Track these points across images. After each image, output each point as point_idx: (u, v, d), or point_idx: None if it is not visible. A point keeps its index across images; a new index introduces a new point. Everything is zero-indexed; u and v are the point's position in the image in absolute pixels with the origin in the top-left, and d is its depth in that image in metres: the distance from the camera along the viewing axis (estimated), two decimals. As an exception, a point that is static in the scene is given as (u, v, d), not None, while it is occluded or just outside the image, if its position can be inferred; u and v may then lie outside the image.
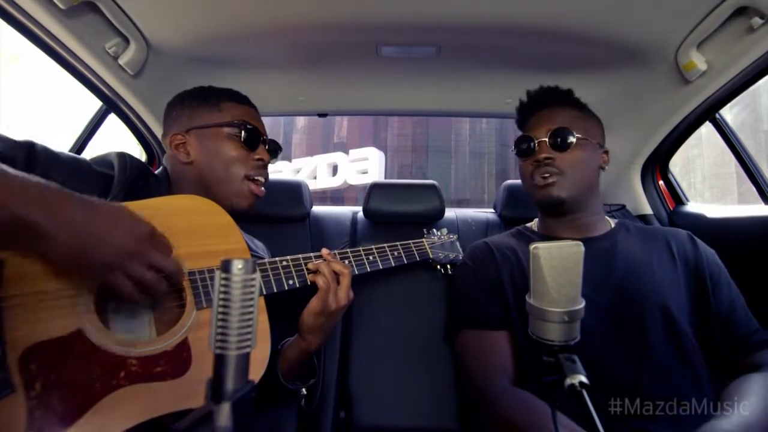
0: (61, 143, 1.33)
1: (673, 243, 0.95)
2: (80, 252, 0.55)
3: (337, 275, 0.86)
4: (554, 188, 0.93)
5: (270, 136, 0.97)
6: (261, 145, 0.93)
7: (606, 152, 1.01)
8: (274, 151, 1.00)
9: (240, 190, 0.89)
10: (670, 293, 0.87)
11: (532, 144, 0.96)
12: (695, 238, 0.98)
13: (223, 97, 0.93)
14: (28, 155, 0.69)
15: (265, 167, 0.95)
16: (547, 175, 0.93)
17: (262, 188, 0.93)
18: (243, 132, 0.89)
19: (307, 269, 0.86)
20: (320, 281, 0.84)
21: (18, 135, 0.71)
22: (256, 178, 0.91)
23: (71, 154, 0.77)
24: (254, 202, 0.92)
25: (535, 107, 1.01)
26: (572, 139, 0.93)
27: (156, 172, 0.91)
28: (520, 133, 1.06)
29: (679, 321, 0.84)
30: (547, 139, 0.94)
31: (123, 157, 0.82)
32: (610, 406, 0.78)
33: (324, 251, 0.89)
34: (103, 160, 0.81)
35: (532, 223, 1.10)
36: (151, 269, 0.61)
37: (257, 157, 0.91)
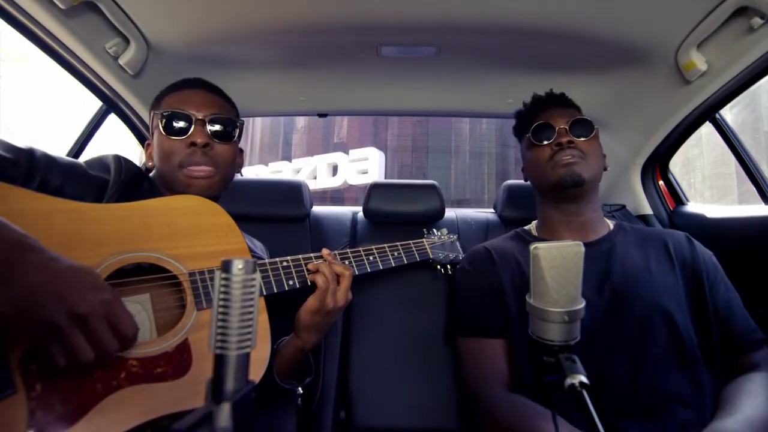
0: (61, 144, 1.33)
1: (671, 244, 0.95)
2: (23, 305, 0.51)
3: (337, 276, 0.86)
4: (578, 167, 0.95)
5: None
6: (198, 126, 0.85)
7: (605, 156, 1.05)
8: (228, 128, 0.89)
9: (178, 179, 0.85)
10: (668, 295, 0.87)
11: (552, 130, 0.99)
12: (692, 239, 0.98)
13: (167, 91, 0.91)
14: (30, 159, 0.70)
15: (204, 151, 0.85)
16: (569, 156, 0.96)
17: (202, 168, 0.85)
18: (163, 121, 0.85)
19: (307, 269, 0.86)
20: (320, 280, 0.84)
21: (18, 139, 0.72)
22: (190, 167, 0.84)
23: (69, 158, 0.78)
24: (207, 185, 0.85)
25: (554, 103, 1.05)
26: (592, 129, 0.99)
27: (150, 175, 0.92)
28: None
29: (678, 322, 0.84)
30: (567, 127, 0.98)
31: (119, 159, 0.83)
32: (610, 406, 0.78)
33: (324, 251, 0.89)
34: (98, 163, 0.82)
35: (530, 225, 1.10)
36: (89, 343, 0.54)
37: (189, 141, 0.85)
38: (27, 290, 0.51)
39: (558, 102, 1.05)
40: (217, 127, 0.87)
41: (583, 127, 0.98)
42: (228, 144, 0.89)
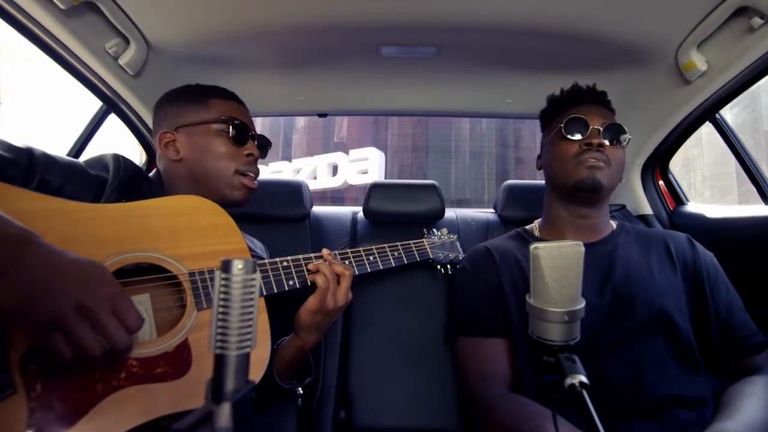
0: (61, 144, 1.33)
1: (672, 246, 0.95)
2: (25, 300, 0.50)
3: (337, 276, 0.86)
4: (600, 172, 0.93)
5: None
6: (250, 140, 0.93)
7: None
8: (263, 147, 0.99)
9: (231, 183, 0.90)
10: (669, 296, 0.87)
11: (586, 128, 0.95)
12: (694, 241, 0.98)
13: (209, 94, 0.93)
14: (29, 159, 0.70)
15: (256, 162, 0.95)
16: (595, 159, 0.93)
17: (255, 181, 0.94)
18: (231, 128, 0.90)
19: (308, 270, 0.86)
20: (320, 280, 0.84)
21: (19, 139, 0.72)
22: (247, 173, 0.92)
23: (68, 158, 0.78)
24: (248, 196, 0.93)
25: (592, 98, 1.01)
26: (624, 138, 0.96)
27: (150, 174, 0.92)
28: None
29: (679, 323, 0.84)
30: (601, 129, 0.95)
31: (117, 159, 0.83)
32: (610, 407, 0.78)
33: (324, 251, 0.89)
34: (98, 162, 0.82)
35: (532, 225, 1.10)
36: (96, 335, 0.53)
37: (247, 152, 0.92)
38: (30, 284, 0.51)
39: (597, 99, 1.01)
40: (261, 144, 0.98)
41: (617, 132, 0.95)
42: (262, 158, 0.99)
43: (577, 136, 0.95)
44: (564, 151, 0.97)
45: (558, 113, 1.01)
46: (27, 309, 0.51)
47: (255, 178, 0.94)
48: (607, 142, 0.94)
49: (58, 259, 0.54)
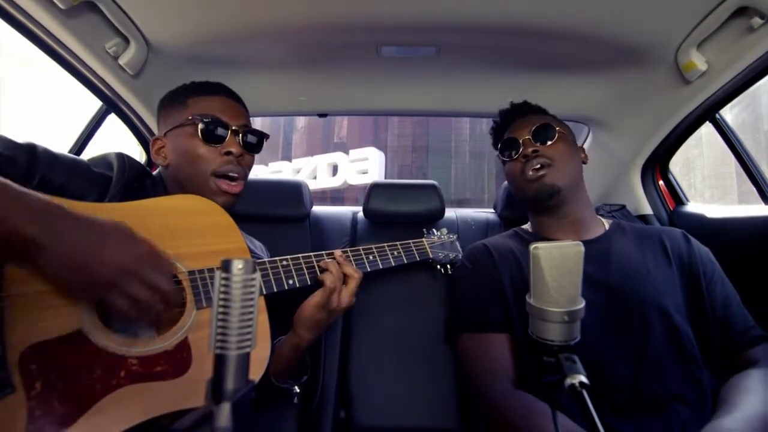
0: (61, 144, 1.33)
1: (668, 242, 0.96)
2: (76, 270, 0.54)
3: (345, 276, 0.87)
4: (548, 177, 0.95)
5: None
6: (232, 136, 0.87)
7: (583, 149, 1.06)
8: (259, 140, 0.92)
9: (209, 187, 0.85)
10: (666, 292, 0.87)
11: (517, 143, 1.00)
12: (689, 236, 0.98)
13: (190, 93, 0.90)
14: (30, 157, 0.69)
15: (238, 161, 0.87)
16: (538, 166, 0.96)
17: (237, 184, 0.88)
18: (200, 125, 0.85)
19: (319, 267, 0.87)
20: (328, 280, 0.84)
21: (20, 137, 0.71)
22: (227, 174, 0.86)
23: (71, 155, 0.78)
24: (232, 201, 0.88)
25: (515, 115, 1.07)
26: (555, 132, 0.98)
27: (154, 173, 0.92)
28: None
29: (676, 319, 0.84)
30: (530, 137, 0.98)
31: (122, 158, 0.82)
32: (610, 405, 0.78)
33: (337, 253, 0.90)
34: (102, 161, 0.82)
35: (527, 224, 1.11)
36: (148, 289, 0.58)
37: (224, 150, 0.86)
38: (73, 256, 0.54)
39: (521, 111, 1.06)
40: (249, 138, 0.90)
41: (546, 131, 0.98)
42: (254, 155, 0.93)
43: (514, 155, 1.00)
44: (512, 174, 1.02)
45: (498, 141, 1.07)
46: (76, 279, 0.54)
47: (238, 179, 0.88)
48: (541, 145, 0.97)
49: (93, 227, 0.57)
